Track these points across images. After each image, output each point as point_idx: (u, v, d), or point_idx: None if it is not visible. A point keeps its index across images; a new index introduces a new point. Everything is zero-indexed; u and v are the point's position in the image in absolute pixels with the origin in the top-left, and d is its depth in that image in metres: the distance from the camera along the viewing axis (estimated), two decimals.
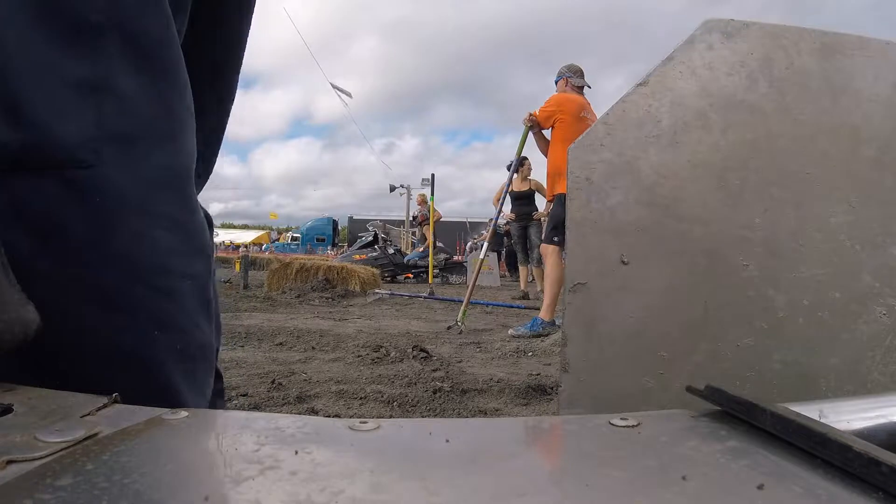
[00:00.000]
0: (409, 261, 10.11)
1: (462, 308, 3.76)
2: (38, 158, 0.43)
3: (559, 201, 3.88)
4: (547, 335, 3.52)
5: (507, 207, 6.84)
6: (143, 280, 0.51)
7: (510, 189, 6.99)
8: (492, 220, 4.48)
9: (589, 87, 4.16)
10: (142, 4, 0.48)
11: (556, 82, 4.19)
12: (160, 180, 0.50)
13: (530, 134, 4.14)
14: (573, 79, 4.08)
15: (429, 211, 10.73)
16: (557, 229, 3.84)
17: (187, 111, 0.54)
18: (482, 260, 4.18)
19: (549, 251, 3.87)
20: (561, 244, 3.85)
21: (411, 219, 11.27)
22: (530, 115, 4.06)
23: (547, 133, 4.16)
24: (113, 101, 0.46)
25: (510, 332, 3.85)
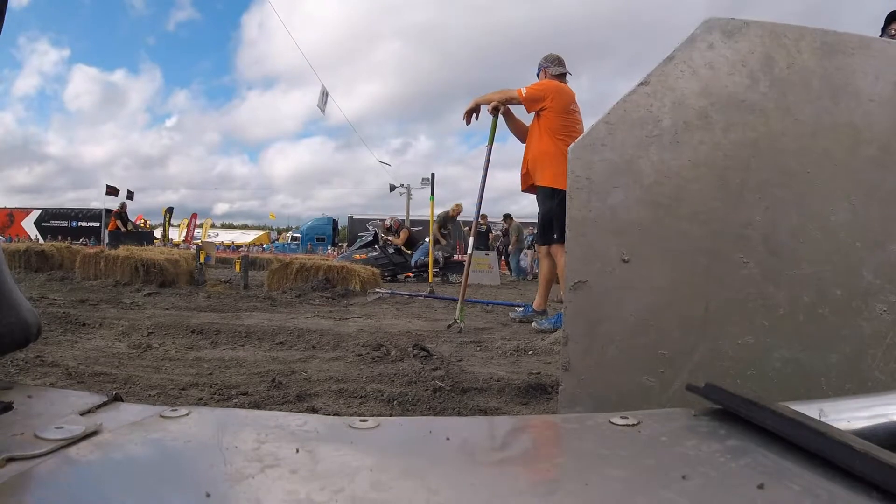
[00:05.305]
0: (416, 261, 10.00)
1: (458, 306, 3.74)
2: None
3: (549, 195, 3.71)
4: None
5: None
6: None
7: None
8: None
9: (570, 73, 3.97)
10: None
11: (537, 75, 4.01)
12: None
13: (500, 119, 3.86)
14: (551, 68, 3.93)
15: (401, 220, 11.31)
16: (556, 226, 3.69)
17: None
18: (470, 255, 4.13)
19: (558, 251, 3.73)
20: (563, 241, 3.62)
21: (385, 228, 11.44)
22: (498, 101, 3.76)
23: (515, 113, 3.93)
24: None
25: (533, 324, 3.79)
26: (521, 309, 4.29)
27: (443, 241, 10.25)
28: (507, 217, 12.82)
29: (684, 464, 0.34)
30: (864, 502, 0.29)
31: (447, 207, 10.65)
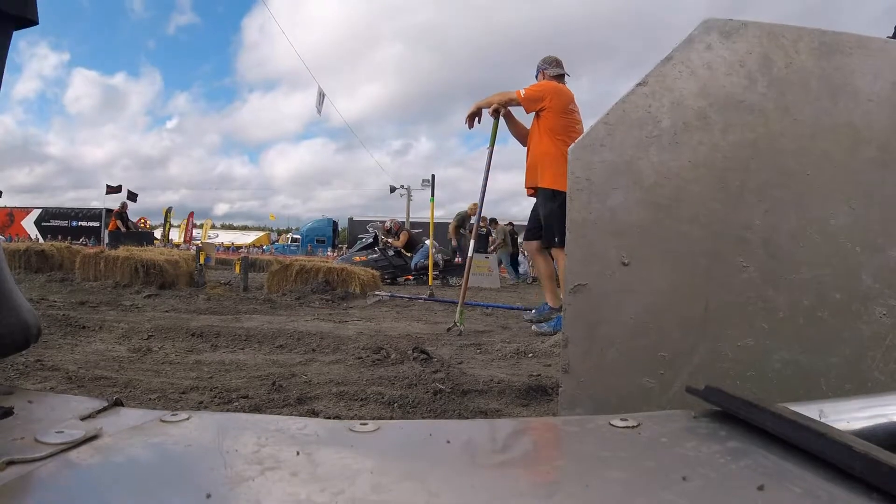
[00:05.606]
0: (416, 264, 10.01)
1: (458, 309, 3.74)
2: None
3: (550, 196, 3.69)
4: None
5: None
6: None
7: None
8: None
9: (568, 75, 4.01)
10: None
11: (536, 77, 4.05)
12: None
13: (501, 121, 3.88)
14: (549, 70, 3.97)
15: (401, 222, 11.52)
16: (556, 229, 3.71)
17: None
18: (470, 258, 4.13)
19: (560, 255, 3.74)
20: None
21: (385, 230, 11.66)
22: (498, 103, 3.79)
23: (516, 116, 3.95)
24: None
25: (533, 328, 3.82)
26: (535, 311, 4.25)
27: (454, 242, 10.42)
28: (493, 221, 12.93)
29: (684, 465, 0.34)
30: (863, 503, 0.29)
31: (463, 207, 10.99)
